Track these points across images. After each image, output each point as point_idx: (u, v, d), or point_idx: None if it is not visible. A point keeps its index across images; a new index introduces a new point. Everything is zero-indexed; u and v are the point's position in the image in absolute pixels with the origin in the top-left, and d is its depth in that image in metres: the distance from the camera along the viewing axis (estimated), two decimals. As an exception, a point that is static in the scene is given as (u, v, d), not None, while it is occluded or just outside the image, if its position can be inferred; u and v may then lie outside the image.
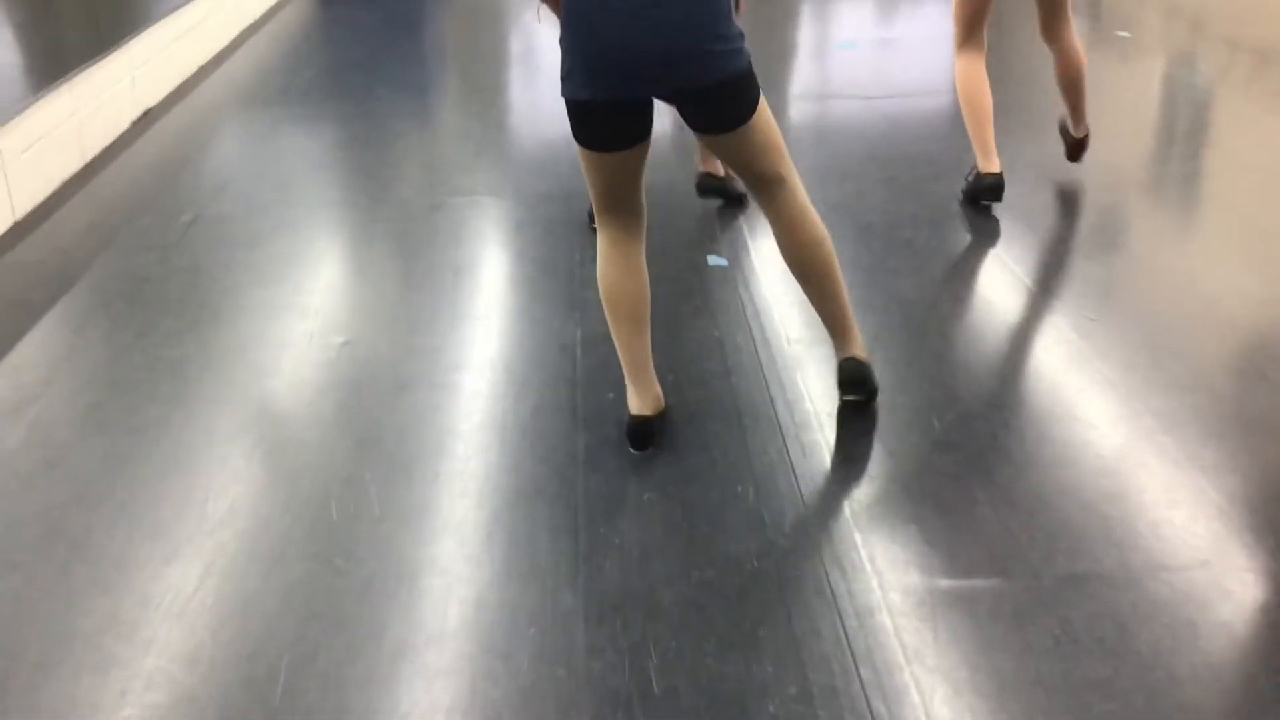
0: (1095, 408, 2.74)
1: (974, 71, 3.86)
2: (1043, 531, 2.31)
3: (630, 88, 2.28)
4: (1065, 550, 2.26)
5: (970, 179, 3.95)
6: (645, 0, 2.18)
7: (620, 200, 2.50)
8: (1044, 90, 5.24)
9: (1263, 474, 2.49)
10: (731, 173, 3.45)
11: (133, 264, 3.60)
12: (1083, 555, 2.24)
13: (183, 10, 5.71)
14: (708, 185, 3.92)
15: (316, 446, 2.67)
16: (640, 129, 2.38)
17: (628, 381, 2.61)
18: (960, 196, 3.98)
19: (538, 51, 6.54)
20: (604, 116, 2.32)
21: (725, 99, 2.32)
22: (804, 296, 2.70)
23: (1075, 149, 4.19)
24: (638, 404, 2.59)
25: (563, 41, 2.30)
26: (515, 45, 6.84)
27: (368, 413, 2.78)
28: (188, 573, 2.24)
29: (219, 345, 3.09)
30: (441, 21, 7.59)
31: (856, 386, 2.68)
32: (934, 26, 6.43)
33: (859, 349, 2.68)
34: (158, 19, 5.36)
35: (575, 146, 2.43)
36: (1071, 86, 3.94)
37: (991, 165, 3.80)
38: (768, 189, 2.51)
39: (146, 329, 3.20)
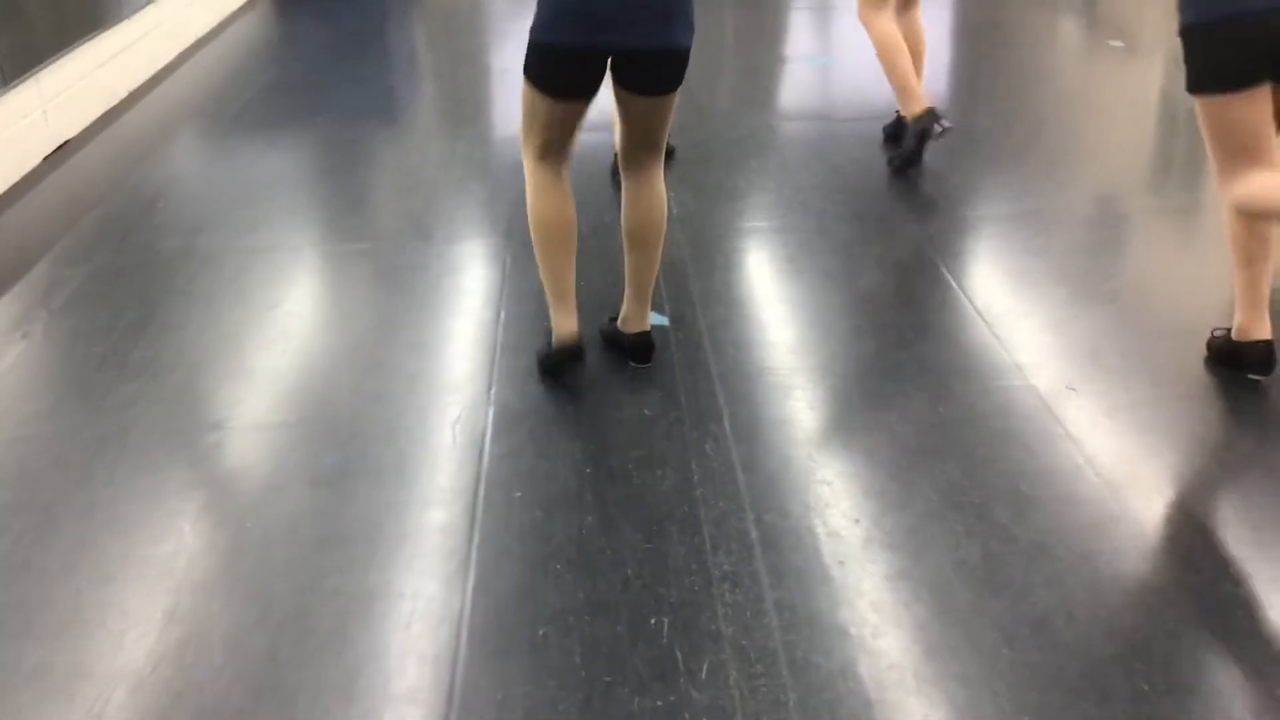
0: (1067, 513, 2.35)
1: (885, 24, 4.04)
2: (1006, 681, 1.93)
3: (605, 37, 2.51)
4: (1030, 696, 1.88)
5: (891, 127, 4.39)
6: None
7: (556, 144, 2.74)
8: (1026, 117, 4.87)
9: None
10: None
11: (3, 330, 3.23)
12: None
13: (108, 34, 5.33)
14: None
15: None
16: (593, 84, 2.62)
17: (551, 308, 2.80)
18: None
19: (509, 70, 6.17)
20: (567, 63, 2.57)
21: (674, 66, 2.59)
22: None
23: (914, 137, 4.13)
24: (562, 329, 2.79)
25: None
26: (494, 62, 6.44)
27: (231, 521, 2.41)
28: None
29: (71, 434, 2.72)
30: (408, 34, 7.20)
31: (646, 355, 2.94)
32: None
33: (648, 322, 2.94)
34: (75, 45, 4.98)
35: (520, 101, 2.68)
36: (912, 58, 4.11)
37: (915, 106, 4.03)
38: (647, 158, 2.77)
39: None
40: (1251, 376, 2.78)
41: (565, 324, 2.80)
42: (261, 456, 2.63)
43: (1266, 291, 2.74)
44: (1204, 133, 2.60)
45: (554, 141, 2.73)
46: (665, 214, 2.84)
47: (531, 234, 2.79)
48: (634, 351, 2.93)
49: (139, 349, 3.09)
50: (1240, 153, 2.52)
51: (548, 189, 2.76)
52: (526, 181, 2.78)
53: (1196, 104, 2.57)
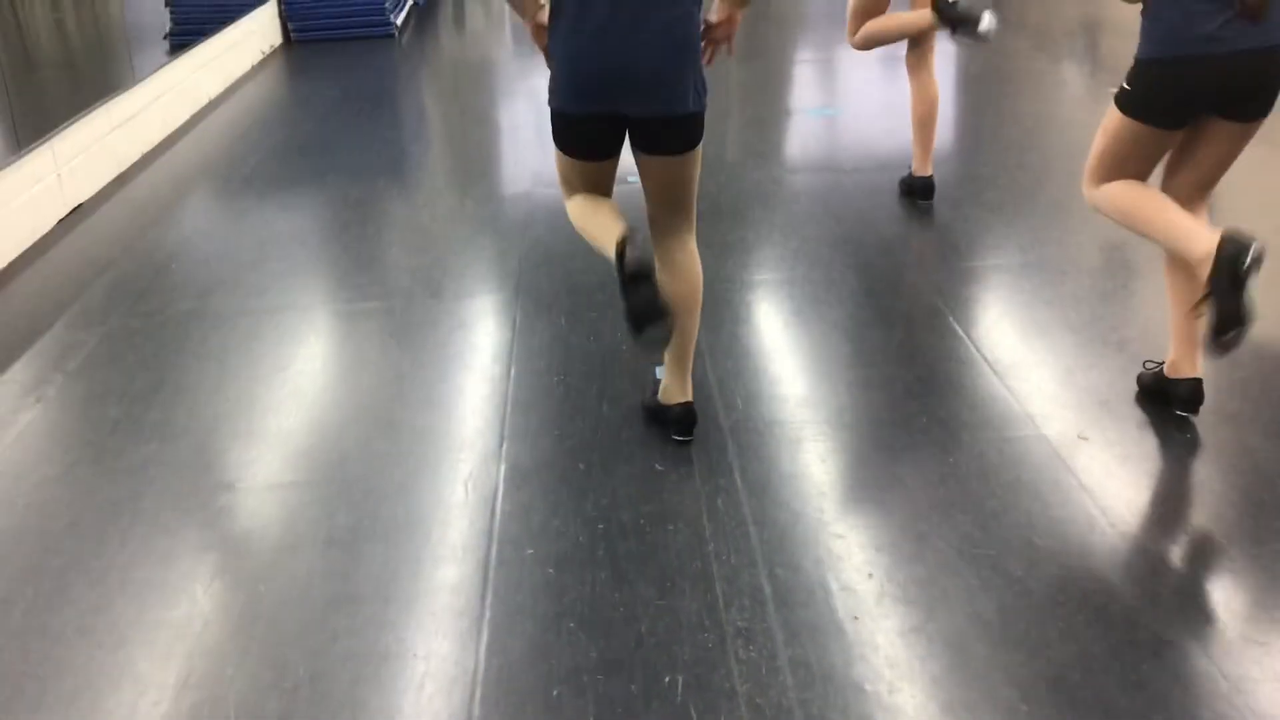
0: (1082, 565, 2.34)
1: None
2: (1025, 735, 1.92)
3: (613, 105, 2.56)
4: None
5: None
6: (631, 32, 2.47)
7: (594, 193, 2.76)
8: (1031, 165, 4.90)
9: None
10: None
11: (17, 394, 3.25)
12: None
13: (121, 98, 5.42)
14: None
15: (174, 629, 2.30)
16: (612, 144, 2.67)
17: (603, 246, 2.56)
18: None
19: (518, 127, 6.23)
20: (582, 128, 2.64)
21: (686, 130, 2.61)
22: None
23: (920, 191, 4.36)
24: (617, 233, 2.49)
25: (553, 62, 2.60)
26: (503, 119, 6.52)
27: (244, 584, 2.41)
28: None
29: (85, 498, 2.73)
30: (418, 93, 7.29)
31: (689, 427, 2.83)
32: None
33: (690, 391, 2.85)
34: (89, 110, 5.06)
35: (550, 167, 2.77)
36: (924, 124, 4.27)
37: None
38: (673, 221, 2.74)
39: None
40: (1179, 413, 2.83)
41: (617, 231, 2.49)
42: (274, 517, 2.64)
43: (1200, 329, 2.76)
44: (1101, 135, 2.74)
45: (588, 189, 2.75)
46: (700, 280, 2.77)
47: (576, 221, 2.71)
48: (677, 424, 2.82)
49: (152, 411, 3.11)
50: (1122, 170, 2.71)
51: (590, 196, 2.73)
52: (570, 213, 2.76)
53: (1113, 112, 2.69)
